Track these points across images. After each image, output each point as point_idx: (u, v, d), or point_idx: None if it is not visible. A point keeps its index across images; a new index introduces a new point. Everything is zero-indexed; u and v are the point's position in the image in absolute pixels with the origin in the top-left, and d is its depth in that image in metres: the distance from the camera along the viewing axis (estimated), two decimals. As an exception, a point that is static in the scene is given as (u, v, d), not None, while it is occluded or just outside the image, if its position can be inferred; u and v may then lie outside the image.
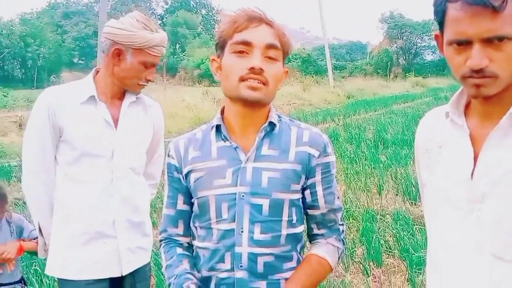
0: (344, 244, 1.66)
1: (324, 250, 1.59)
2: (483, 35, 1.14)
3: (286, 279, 1.51)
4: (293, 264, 1.54)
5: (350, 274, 4.26)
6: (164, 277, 1.58)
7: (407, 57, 54.69)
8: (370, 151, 9.31)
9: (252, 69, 1.40)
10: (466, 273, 1.27)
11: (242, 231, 1.47)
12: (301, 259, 1.58)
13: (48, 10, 65.01)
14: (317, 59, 49.74)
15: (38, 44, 38.14)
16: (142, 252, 2.26)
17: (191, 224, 1.61)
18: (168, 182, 1.64)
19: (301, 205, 1.56)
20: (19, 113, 14.97)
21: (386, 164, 8.20)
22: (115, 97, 2.19)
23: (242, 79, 1.42)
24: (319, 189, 1.56)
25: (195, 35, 58.72)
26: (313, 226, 1.62)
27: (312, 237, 1.64)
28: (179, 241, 1.65)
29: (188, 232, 1.65)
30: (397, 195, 6.56)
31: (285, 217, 1.50)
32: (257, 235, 1.47)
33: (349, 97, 25.54)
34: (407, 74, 46.09)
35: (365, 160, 8.32)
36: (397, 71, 49.96)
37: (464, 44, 1.18)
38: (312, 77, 33.56)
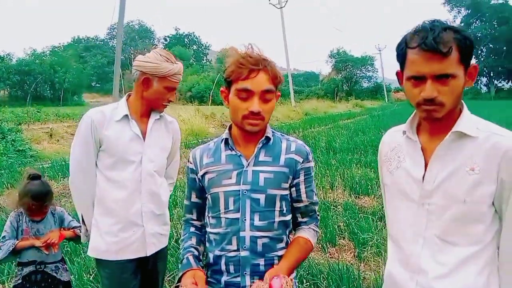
0: (319, 228, 1.72)
1: (308, 233, 1.65)
2: (434, 73, 1.22)
3: (279, 256, 1.56)
4: (283, 245, 1.59)
5: (312, 252, 4.24)
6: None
7: (349, 84, 55.46)
8: (323, 157, 9.37)
9: (252, 112, 1.47)
10: (418, 248, 1.35)
11: (245, 219, 1.53)
12: (289, 241, 1.63)
13: (72, 44, 64.29)
14: (282, 85, 49.96)
15: (64, 71, 37.77)
16: (162, 237, 2.28)
17: (206, 214, 1.65)
18: (187, 181, 1.71)
19: (289, 199, 1.60)
20: (50, 125, 14.65)
21: (335, 166, 8.26)
22: (143, 115, 2.21)
23: (244, 118, 1.49)
24: (302, 187, 1.62)
25: (188, 65, 58.71)
26: (298, 215, 1.67)
27: (297, 224, 1.68)
28: (193, 223, 1.72)
29: (200, 218, 1.71)
30: (344, 190, 6.60)
31: (277, 208, 1.56)
32: (257, 222, 1.53)
33: (306, 114, 25.80)
34: (349, 97, 46.79)
35: (320, 164, 8.37)
36: (341, 95, 50.57)
37: (419, 79, 1.25)
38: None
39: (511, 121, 17.29)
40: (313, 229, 1.67)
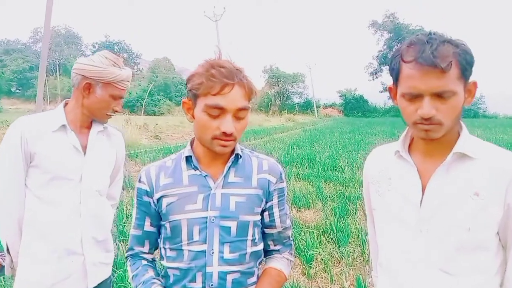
0: (293, 256, 1.52)
1: (281, 263, 1.45)
2: (432, 90, 1.09)
3: None
4: (254, 279, 1.38)
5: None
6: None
7: (281, 99, 56.65)
8: (262, 170, 9.29)
9: (224, 133, 1.26)
10: (415, 279, 1.20)
11: (212, 252, 1.29)
12: (259, 274, 1.41)
13: (-11, 47, 59.38)
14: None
15: (-21, 74, 34.85)
16: (105, 266, 1.95)
17: (161, 245, 1.38)
18: (137, 205, 1.41)
19: (260, 225, 1.40)
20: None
21: (275, 179, 8.20)
22: (83, 126, 1.90)
23: (215, 138, 1.28)
24: (275, 210, 1.42)
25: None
26: (270, 243, 1.47)
27: (268, 253, 1.48)
28: (143, 257, 1.43)
29: (152, 250, 1.44)
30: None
31: (249, 237, 1.34)
32: (226, 255, 1.30)
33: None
34: (282, 112, 47.72)
35: (259, 177, 8.28)
36: (274, 109, 51.52)
37: (415, 96, 1.12)
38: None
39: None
40: (287, 258, 1.47)
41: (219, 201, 1.31)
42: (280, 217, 1.43)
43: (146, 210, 1.38)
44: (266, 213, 1.41)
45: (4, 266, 1.99)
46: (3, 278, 2.00)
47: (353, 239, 4.89)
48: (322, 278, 3.96)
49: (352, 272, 4.05)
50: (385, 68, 59.51)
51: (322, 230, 5.12)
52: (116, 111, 1.89)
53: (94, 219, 1.86)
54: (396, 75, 1.17)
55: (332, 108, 55.26)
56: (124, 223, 5.21)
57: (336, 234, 4.89)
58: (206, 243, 1.28)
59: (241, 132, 1.31)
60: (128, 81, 1.89)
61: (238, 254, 1.31)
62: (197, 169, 1.34)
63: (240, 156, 1.37)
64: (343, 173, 9.02)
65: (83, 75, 1.81)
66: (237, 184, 1.34)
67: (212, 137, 1.27)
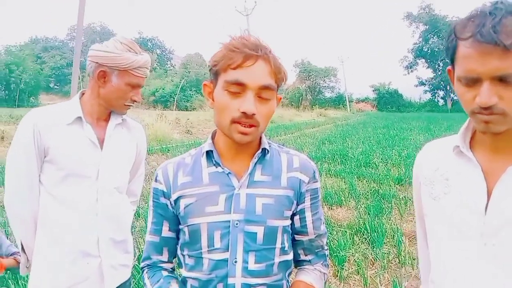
0: (328, 267, 1.32)
1: (312, 277, 1.25)
2: (492, 73, 0.89)
3: None
4: None
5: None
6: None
7: (313, 94, 56.01)
8: (293, 165, 9.11)
9: (244, 113, 1.07)
10: None
11: (235, 261, 1.12)
12: (289, 286, 1.22)
13: (29, 44, 61.54)
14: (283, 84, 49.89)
15: (20, 71, 36.15)
16: (124, 268, 1.81)
17: (179, 252, 1.23)
18: (153, 208, 1.25)
19: (290, 230, 1.22)
20: (2, 127, 13.66)
21: (306, 176, 8.01)
22: (101, 118, 1.76)
23: (234, 121, 1.09)
24: (308, 214, 1.24)
25: (151, 70, 57.53)
26: (300, 252, 1.28)
27: (298, 263, 1.29)
28: (163, 267, 1.27)
29: (172, 259, 1.27)
30: (317, 201, 6.34)
31: (278, 245, 1.16)
32: (252, 265, 1.12)
33: (272, 122, 25.57)
34: (313, 107, 47.16)
35: (290, 173, 8.11)
36: (305, 104, 50.99)
37: (473, 81, 0.92)
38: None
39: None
40: (320, 271, 1.28)
41: (243, 202, 1.14)
42: (313, 222, 1.25)
43: (163, 213, 1.23)
44: (296, 217, 1.23)
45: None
46: (25, 276, 1.95)
47: (388, 240, 4.65)
48: (355, 280, 3.77)
49: (387, 275, 3.84)
50: (421, 62, 57.92)
51: (355, 229, 4.90)
52: (135, 101, 1.75)
53: (112, 218, 1.74)
54: (451, 55, 0.97)
55: (365, 102, 54.16)
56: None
57: (370, 234, 4.66)
58: (228, 251, 1.12)
59: (266, 119, 1.12)
60: (147, 68, 1.74)
61: (265, 265, 1.14)
62: (219, 165, 1.17)
63: (268, 151, 1.20)
64: (377, 170, 8.70)
65: (97, 63, 1.67)
66: (264, 184, 1.17)
67: (231, 120, 1.09)
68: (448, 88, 55.26)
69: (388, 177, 7.90)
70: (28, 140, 1.63)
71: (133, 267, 1.87)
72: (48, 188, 1.68)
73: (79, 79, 11.11)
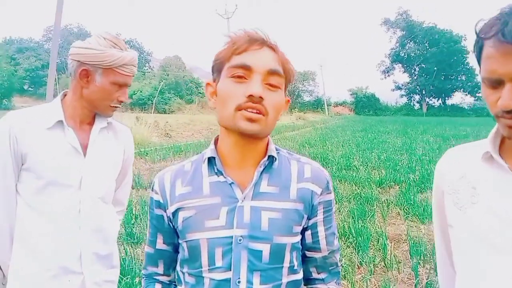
0: (339, 285, 1.22)
1: None
2: None
3: None
4: None
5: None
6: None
7: (292, 97, 56.29)
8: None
9: (250, 97, 0.97)
10: None
11: (239, 282, 1.00)
12: None
13: (3, 45, 59.78)
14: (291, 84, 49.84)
15: (-8, 72, 35.22)
16: (109, 285, 1.66)
17: (178, 268, 1.11)
18: (149, 218, 1.15)
19: (300, 247, 1.10)
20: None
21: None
22: (84, 122, 1.62)
23: (239, 108, 0.98)
24: (320, 229, 1.12)
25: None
26: (312, 269, 1.16)
27: (310, 282, 1.17)
28: (158, 279, 1.19)
29: (169, 271, 1.18)
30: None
31: (286, 264, 1.04)
32: (257, 286, 1.01)
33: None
34: (292, 110, 47.35)
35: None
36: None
37: (496, 82, 0.86)
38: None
39: (446, 136, 18.24)
40: None
41: (247, 216, 1.02)
42: (326, 237, 1.13)
43: (158, 225, 1.13)
44: (308, 233, 1.12)
45: None
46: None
47: (372, 244, 4.62)
48: (342, 285, 3.70)
49: (374, 280, 3.79)
50: (397, 66, 59.05)
51: (339, 233, 4.85)
52: (121, 101, 1.61)
53: (96, 231, 1.60)
54: (477, 55, 0.91)
55: (343, 106, 54.76)
56: (132, 224, 5.00)
57: (356, 238, 4.62)
58: (231, 270, 1.01)
59: (275, 110, 1.01)
60: (134, 66, 1.61)
61: (272, 286, 1.02)
62: (221, 174, 1.05)
63: (276, 159, 1.08)
64: (358, 173, 8.72)
65: (79, 61, 1.54)
66: (271, 196, 1.05)
67: (236, 107, 0.98)
68: (423, 93, 56.45)
69: (369, 180, 7.92)
70: (3, 146, 1.49)
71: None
72: (25, 199, 1.53)
73: (55, 81, 10.80)
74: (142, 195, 6.35)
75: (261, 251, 1.01)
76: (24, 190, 1.53)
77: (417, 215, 5.70)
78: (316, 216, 1.10)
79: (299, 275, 1.10)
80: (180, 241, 1.09)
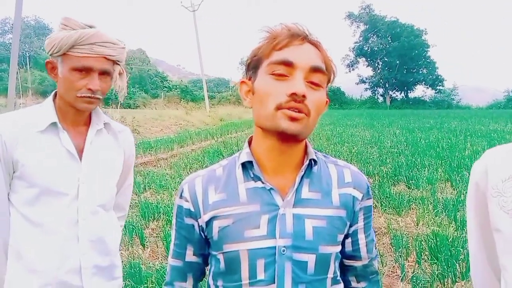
0: None
1: None
2: None
3: None
4: None
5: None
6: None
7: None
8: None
9: (293, 95, 0.89)
10: None
11: None
12: None
13: (-46, 38, 56.74)
14: (193, 90, 49.07)
15: None
16: None
17: (211, 281, 1.03)
18: (176, 228, 1.06)
19: (340, 255, 1.04)
20: None
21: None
22: (79, 123, 1.49)
23: (280, 107, 0.91)
24: (361, 237, 1.07)
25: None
26: (352, 278, 1.11)
27: None
28: None
29: (197, 285, 1.10)
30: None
31: (330, 274, 0.99)
32: None
33: (221, 120, 25.27)
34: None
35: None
36: (252, 101, 51.07)
37: None
38: (187, 103, 33.15)
39: (411, 128, 18.75)
40: None
41: (290, 225, 0.95)
42: (366, 245, 1.08)
43: (187, 235, 1.04)
44: (348, 240, 1.06)
45: None
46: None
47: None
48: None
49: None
50: (362, 60, 60.05)
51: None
52: (90, 89, 1.40)
53: (96, 242, 1.48)
54: None
55: (310, 100, 55.34)
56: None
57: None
58: (274, 283, 0.94)
59: (317, 110, 0.94)
60: (93, 44, 1.39)
61: None
62: (259, 179, 0.98)
63: (316, 163, 1.02)
64: (332, 167, 8.80)
65: (49, 55, 1.42)
66: (314, 202, 0.98)
67: (276, 106, 0.91)
68: (387, 86, 57.81)
69: (344, 174, 7.99)
70: None
71: None
72: (19, 209, 1.40)
73: (16, 75, 10.33)
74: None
75: (306, 262, 0.95)
76: (17, 200, 1.40)
77: (393, 208, 5.81)
78: (357, 223, 1.05)
79: (341, 285, 1.05)
80: (214, 253, 1.01)
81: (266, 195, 0.97)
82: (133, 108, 34.60)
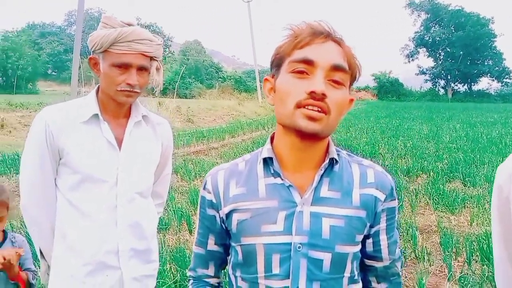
0: None
1: None
2: None
3: None
4: None
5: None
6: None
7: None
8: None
9: (312, 94, 0.90)
10: None
11: None
12: None
13: (27, 30, 60.65)
14: (246, 80, 49.50)
15: (17, 57, 35.78)
16: (148, 279, 1.65)
17: (230, 271, 1.07)
18: (199, 218, 1.11)
19: (360, 255, 1.04)
20: (1, 115, 13.47)
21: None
22: (120, 115, 1.58)
23: (299, 105, 0.91)
24: (383, 238, 1.06)
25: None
26: (372, 279, 1.11)
27: None
28: (209, 282, 1.14)
29: (219, 273, 1.14)
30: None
31: (347, 273, 0.99)
32: None
33: (273, 111, 25.22)
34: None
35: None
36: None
37: None
38: (240, 94, 33.42)
39: (473, 123, 17.81)
40: None
41: (307, 223, 0.96)
42: (388, 246, 1.07)
43: (210, 225, 1.08)
44: (369, 241, 1.06)
45: (33, 285, 1.79)
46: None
47: (402, 235, 4.55)
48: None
49: (405, 272, 3.74)
50: (422, 51, 57.55)
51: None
52: (129, 84, 1.49)
53: (133, 227, 1.57)
54: None
55: (366, 91, 53.61)
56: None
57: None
58: (289, 279, 0.96)
59: (338, 109, 0.94)
60: (130, 41, 1.47)
61: None
62: (278, 176, 1.00)
63: (337, 162, 1.02)
64: (384, 161, 8.57)
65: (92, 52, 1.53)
66: (333, 201, 0.98)
67: (295, 104, 0.92)
68: (449, 78, 55.07)
69: (395, 168, 7.78)
70: (41, 141, 1.48)
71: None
72: (64, 193, 1.52)
73: (80, 65, 10.94)
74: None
75: (322, 260, 0.96)
76: (62, 186, 1.53)
77: (446, 206, 5.59)
78: (379, 224, 1.04)
79: (359, 285, 1.04)
80: (233, 244, 1.04)
81: (285, 192, 0.98)
82: (188, 98, 35.51)
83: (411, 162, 8.49)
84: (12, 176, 6.82)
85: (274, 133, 1.06)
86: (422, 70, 57.24)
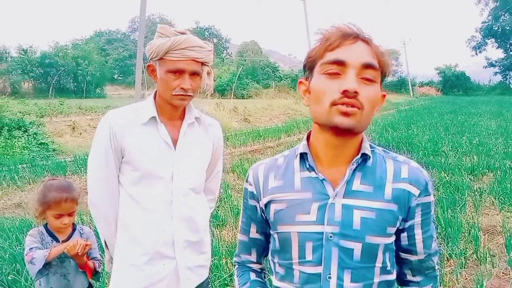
0: None
1: None
2: None
3: None
4: None
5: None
6: None
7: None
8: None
9: (345, 92, 0.95)
10: None
11: (329, 277, 1.02)
12: None
13: (94, 37, 64.50)
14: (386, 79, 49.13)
15: (86, 63, 38.08)
16: (201, 269, 1.79)
17: (270, 257, 1.16)
18: (243, 207, 1.22)
19: (394, 248, 1.08)
20: (72, 118, 14.51)
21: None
22: (174, 117, 1.73)
23: (334, 104, 0.97)
24: (417, 232, 1.09)
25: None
26: (407, 271, 1.15)
27: (404, 283, 1.17)
28: (252, 267, 1.25)
29: (261, 259, 1.24)
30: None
31: (378, 264, 1.03)
32: (347, 284, 1.01)
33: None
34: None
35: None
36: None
37: None
38: (297, 92, 33.17)
39: (549, 118, 16.51)
40: None
41: (338, 214, 1.02)
42: (423, 240, 1.10)
43: (251, 215, 1.19)
44: (404, 235, 1.09)
45: (99, 272, 1.98)
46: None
47: (463, 235, 4.38)
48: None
49: (465, 273, 3.61)
50: (490, 42, 54.16)
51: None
52: (183, 89, 1.62)
53: (186, 220, 1.70)
54: None
55: (429, 86, 51.41)
56: (217, 207, 5.22)
57: (445, 229, 4.41)
58: (321, 265, 1.02)
59: (371, 104, 0.99)
60: (184, 48, 1.59)
61: (362, 284, 1.02)
62: (313, 170, 1.06)
63: (369, 157, 1.06)
64: (447, 159, 8.23)
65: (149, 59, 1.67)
66: (364, 194, 1.03)
67: (330, 103, 0.97)
68: (521, 69, 51.33)
69: (459, 166, 7.45)
70: (106, 142, 1.64)
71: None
72: (126, 189, 1.69)
73: (142, 70, 11.51)
74: (224, 179, 6.60)
75: (352, 249, 1.01)
76: (125, 181, 1.69)
77: (514, 205, 5.30)
78: (414, 218, 1.07)
79: (392, 276, 1.08)
80: (271, 232, 1.13)
81: (319, 185, 1.05)
82: (246, 99, 36.00)
83: (476, 160, 8.08)
84: (83, 175, 7.37)
85: (310, 131, 1.12)
86: (491, 62, 53.73)
